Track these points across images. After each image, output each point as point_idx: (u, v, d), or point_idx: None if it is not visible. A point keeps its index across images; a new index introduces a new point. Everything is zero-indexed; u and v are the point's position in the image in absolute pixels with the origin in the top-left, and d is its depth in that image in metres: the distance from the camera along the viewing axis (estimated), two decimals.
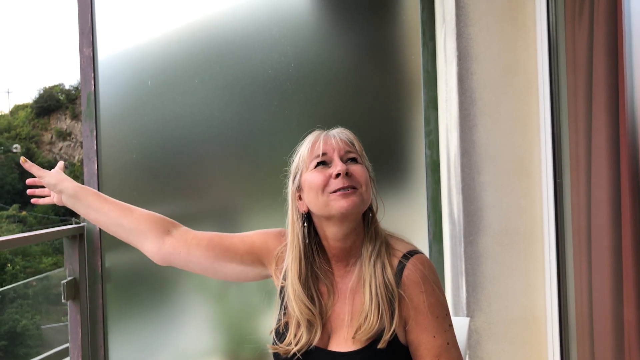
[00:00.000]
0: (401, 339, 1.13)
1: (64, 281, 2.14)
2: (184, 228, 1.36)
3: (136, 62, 2.25)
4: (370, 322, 1.11)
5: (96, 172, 2.19)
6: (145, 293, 2.28)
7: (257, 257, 1.30)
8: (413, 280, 1.12)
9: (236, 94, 2.19)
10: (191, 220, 2.20)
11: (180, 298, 2.26)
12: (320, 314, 1.16)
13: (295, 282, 1.17)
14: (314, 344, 1.14)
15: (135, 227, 1.33)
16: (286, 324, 1.19)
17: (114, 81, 2.24)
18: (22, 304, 17.87)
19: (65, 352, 2.44)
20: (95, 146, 2.19)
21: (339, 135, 1.17)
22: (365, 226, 1.18)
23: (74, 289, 2.14)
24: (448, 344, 1.13)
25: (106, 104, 2.23)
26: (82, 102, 2.17)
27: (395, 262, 1.15)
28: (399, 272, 1.13)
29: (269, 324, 2.17)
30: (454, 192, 1.83)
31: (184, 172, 2.23)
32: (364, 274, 1.15)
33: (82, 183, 1.72)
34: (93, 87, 2.19)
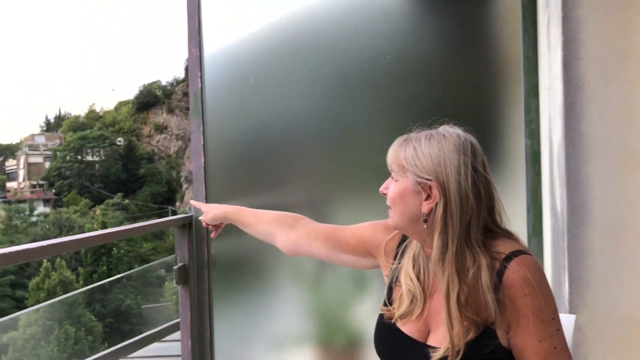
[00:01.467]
0: (503, 342, 1.11)
1: (176, 267, 2.30)
2: (306, 220, 1.52)
3: (238, 58, 2.34)
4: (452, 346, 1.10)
5: (203, 165, 2.33)
6: (245, 279, 2.40)
7: (366, 250, 1.37)
8: (514, 283, 1.09)
9: (333, 87, 2.23)
10: (288, 211, 2.28)
11: (277, 284, 2.35)
12: (423, 292, 1.20)
13: (409, 258, 1.25)
14: (413, 320, 1.19)
15: (267, 231, 1.56)
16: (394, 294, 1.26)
17: (218, 79, 2.35)
18: (126, 285, 19.36)
19: (176, 326, 2.72)
20: (202, 141, 2.33)
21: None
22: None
23: (184, 274, 2.30)
24: (555, 348, 1.09)
25: (211, 101, 2.35)
26: (190, 100, 2.32)
27: (497, 265, 1.12)
28: (499, 276, 1.11)
29: (361, 313, 2.21)
30: (557, 184, 1.76)
31: (282, 166, 2.32)
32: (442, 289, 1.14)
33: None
34: (200, 85, 2.32)
